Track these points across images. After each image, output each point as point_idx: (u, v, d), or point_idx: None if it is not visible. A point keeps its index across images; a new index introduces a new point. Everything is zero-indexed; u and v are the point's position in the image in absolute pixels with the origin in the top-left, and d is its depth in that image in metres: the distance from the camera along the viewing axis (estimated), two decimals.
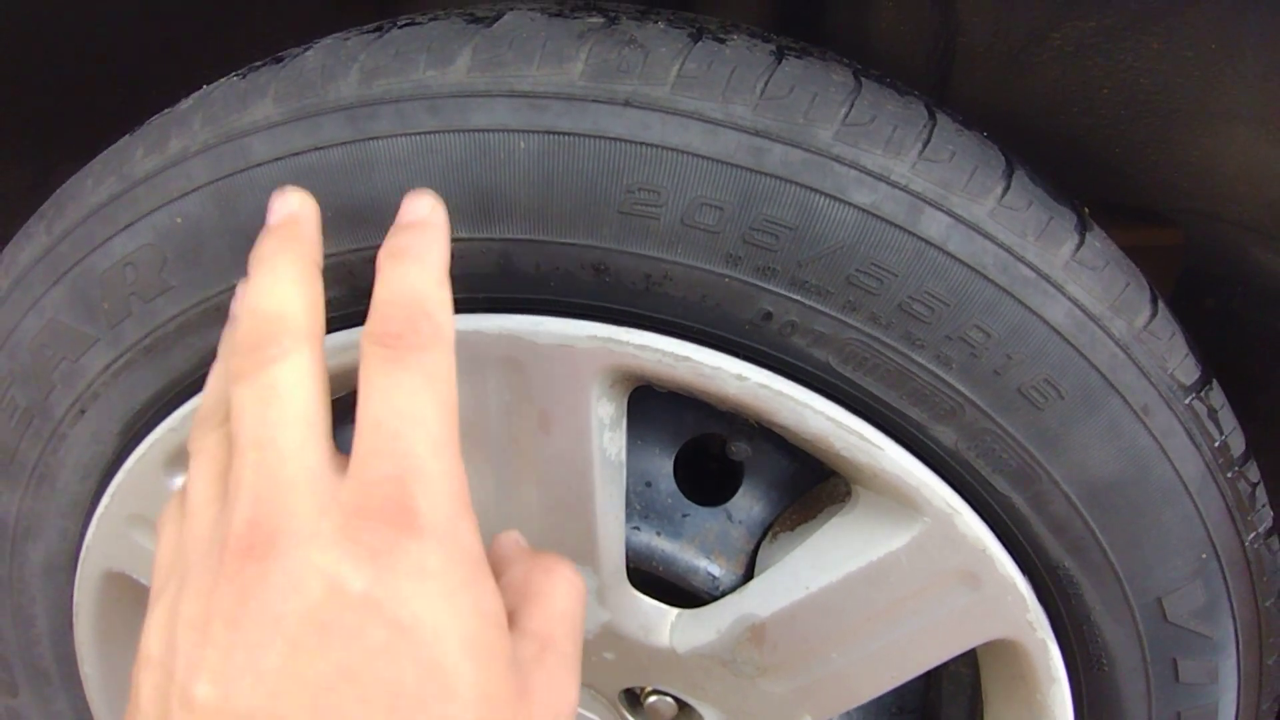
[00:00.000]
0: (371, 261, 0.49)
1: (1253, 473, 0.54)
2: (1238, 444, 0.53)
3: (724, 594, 0.59)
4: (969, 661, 0.65)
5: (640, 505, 0.60)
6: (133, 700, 0.31)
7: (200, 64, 0.86)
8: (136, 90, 0.85)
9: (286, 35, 0.86)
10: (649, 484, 0.60)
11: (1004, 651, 0.58)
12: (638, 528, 0.59)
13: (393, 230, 0.40)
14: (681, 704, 0.64)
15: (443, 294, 0.37)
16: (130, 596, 0.65)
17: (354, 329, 0.51)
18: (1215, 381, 0.53)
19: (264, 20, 0.87)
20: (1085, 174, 0.87)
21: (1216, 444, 0.52)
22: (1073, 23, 0.80)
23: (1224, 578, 0.54)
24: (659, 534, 0.59)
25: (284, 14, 0.87)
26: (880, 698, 0.66)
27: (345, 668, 0.27)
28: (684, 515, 0.60)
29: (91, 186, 0.52)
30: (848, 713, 0.69)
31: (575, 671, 0.35)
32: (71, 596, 0.64)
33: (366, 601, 0.27)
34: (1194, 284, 0.82)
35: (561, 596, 0.36)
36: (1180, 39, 0.76)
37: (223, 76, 0.53)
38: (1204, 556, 0.53)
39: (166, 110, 0.53)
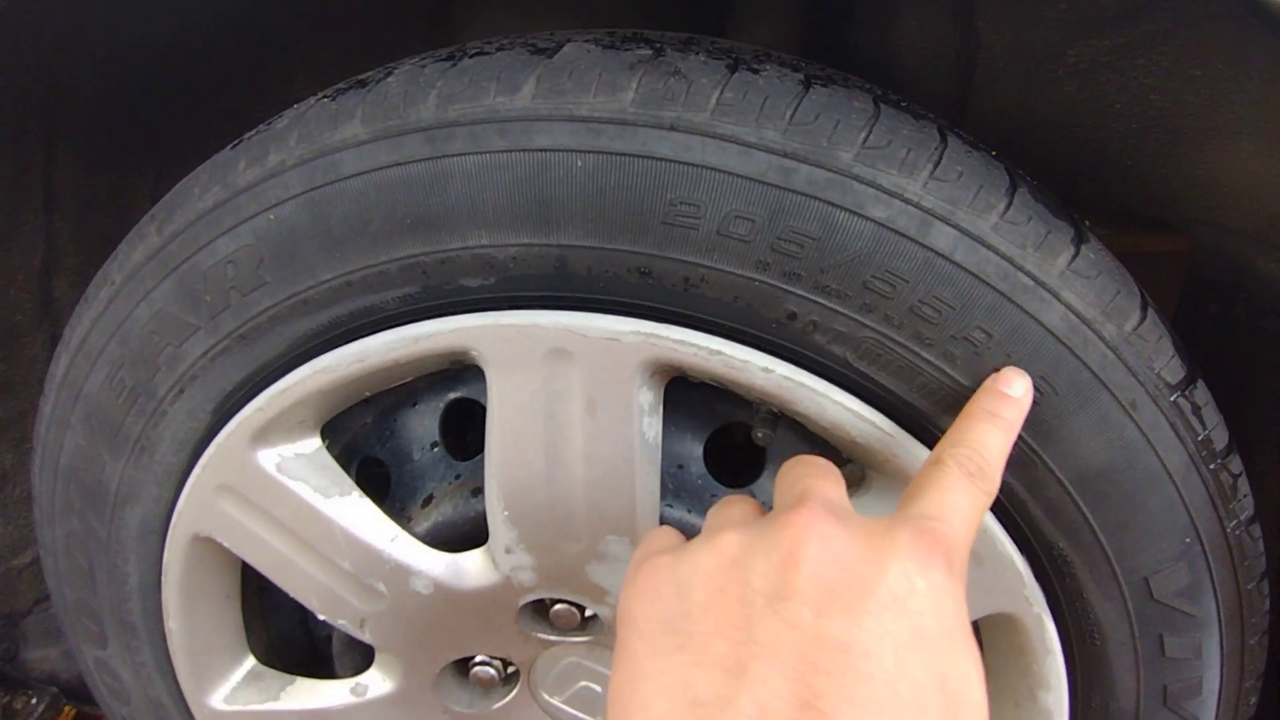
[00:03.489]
0: (443, 264, 0.56)
1: (1235, 465, 0.59)
2: (1221, 438, 0.58)
3: None
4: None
5: (673, 485, 0.65)
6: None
7: (265, 82, 0.93)
8: (204, 110, 0.92)
9: (345, 54, 0.93)
10: (681, 466, 0.66)
11: (1004, 625, 0.63)
12: (670, 505, 0.65)
13: (995, 392, 0.53)
14: None
15: (1004, 455, 0.51)
16: (213, 558, 0.72)
17: (425, 321, 0.57)
18: (1201, 380, 0.58)
19: (323, 40, 0.93)
20: (1098, 184, 0.91)
21: (1200, 437, 0.57)
22: (1088, 41, 0.84)
23: (1206, 560, 0.59)
24: (689, 511, 0.65)
25: (342, 36, 0.93)
26: None
27: None
28: (712, 495, 0.66)
29: (198, 194, 0.59)
30: None
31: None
32: (161, 557, 0.72)
33: None
34: (1198, 290, 0.86)
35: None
36: (1189, 58, 0.80)
37: (276, 92, 0.59)
38: (1187, 540, 0.58)
39: (263, 126, 0.60)
